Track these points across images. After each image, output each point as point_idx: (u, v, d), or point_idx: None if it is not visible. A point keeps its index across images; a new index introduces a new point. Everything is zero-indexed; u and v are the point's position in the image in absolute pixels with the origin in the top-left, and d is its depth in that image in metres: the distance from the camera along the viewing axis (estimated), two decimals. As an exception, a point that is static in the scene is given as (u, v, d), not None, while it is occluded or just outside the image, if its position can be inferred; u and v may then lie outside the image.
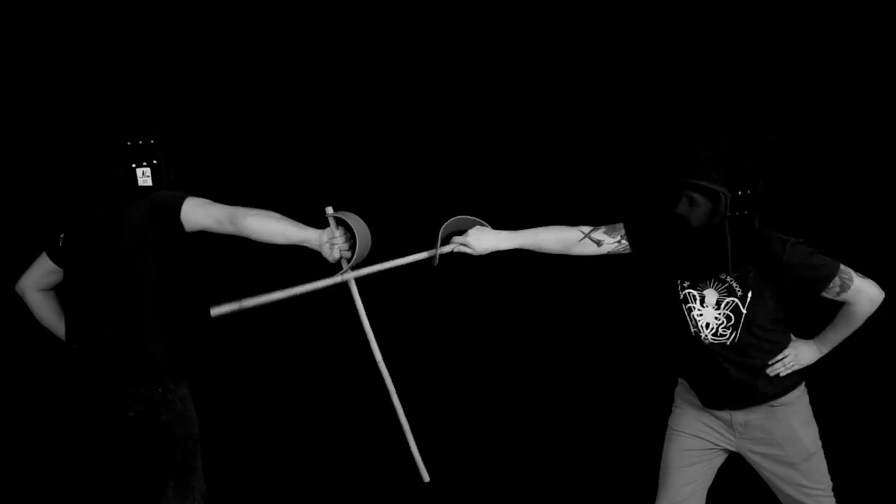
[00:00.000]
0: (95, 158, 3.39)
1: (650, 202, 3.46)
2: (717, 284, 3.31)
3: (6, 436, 4.32)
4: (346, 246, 3.20)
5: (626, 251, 3.43)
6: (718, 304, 3.31)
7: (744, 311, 3.30)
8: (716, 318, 3.32)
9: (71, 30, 4.21)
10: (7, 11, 4.19)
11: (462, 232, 3.42)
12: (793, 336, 3.41)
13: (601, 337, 4.46)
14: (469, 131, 4.37)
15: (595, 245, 3.42)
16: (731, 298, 3.30)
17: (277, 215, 3.23)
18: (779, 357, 3.36)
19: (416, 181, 4.38)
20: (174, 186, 3.36)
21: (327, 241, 3.19)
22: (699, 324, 3.34)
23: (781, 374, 3.36)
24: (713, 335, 3.33)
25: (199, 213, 3.23)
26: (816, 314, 3.41)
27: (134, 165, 3.30)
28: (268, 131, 4.34)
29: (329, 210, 3.21)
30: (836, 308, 3.34)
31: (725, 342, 3.33)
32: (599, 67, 4.32)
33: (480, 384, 4.51)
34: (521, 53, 4.34)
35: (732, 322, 3.31)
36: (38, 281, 3.47)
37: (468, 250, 3.41)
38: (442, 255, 3.36)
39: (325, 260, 3.23)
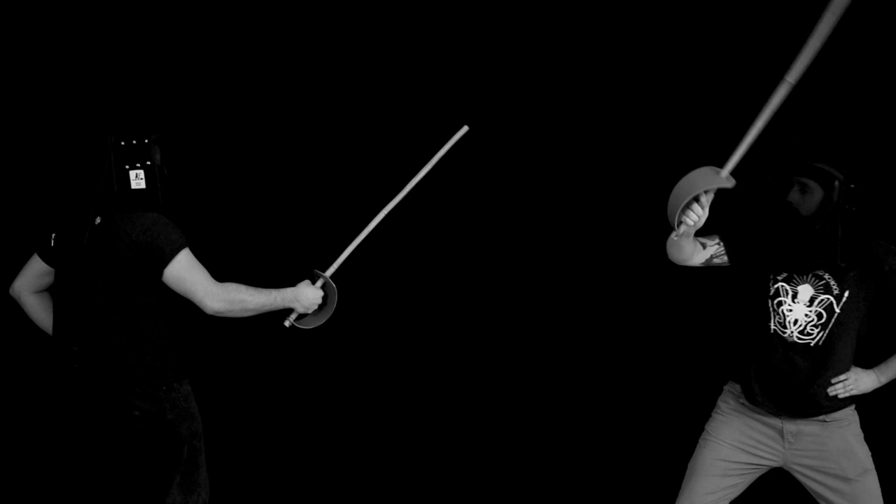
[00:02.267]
0: (90, 158, 3.38)
1: (766, 188, 3.33)
2: (814, 280, 3.27)
3: (11, 436, 4.35)
4: (314, 306, 3.50)
5: (724, 258, 3.37)
6: (812, 300, 3.27)
7: (837, 311, 3.25)
8: (806, 314, 3.27)
9: (65, 29, 4.22)
10: (2, 11, 4.20)
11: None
12: (853, 365, 3.36)
13: (601, 338, 4.45)
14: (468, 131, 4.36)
15: (702, 248, 3.35)
16: (827, 296, 3.26)
17: (245, 291, 3.34)
18: (841, 377, 3.31)
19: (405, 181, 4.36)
20: (168, 188, 3.35)
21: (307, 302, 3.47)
22: (787, 320, 3.28)
23: (840, 396, 3.31)
24: (800, 333, 3.28)
25: (176, 285, 3.27)
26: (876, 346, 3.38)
27: (127, 167, 3.30)
28: (263, 132, 4.35)
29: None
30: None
31: (810, 342, 3.28)
32: (598, 69, 4.30)
33: (479, 385, 4.52)
34: (518, 54, 4.34)
35: (823, 321, 3.26)
36: (32, 283, 3.48)
37: (691, 226, 3.08)
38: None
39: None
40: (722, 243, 3.38)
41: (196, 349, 3.56)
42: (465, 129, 3.60)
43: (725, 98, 4.13)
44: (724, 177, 3.01)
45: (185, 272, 3.26)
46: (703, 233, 3.29)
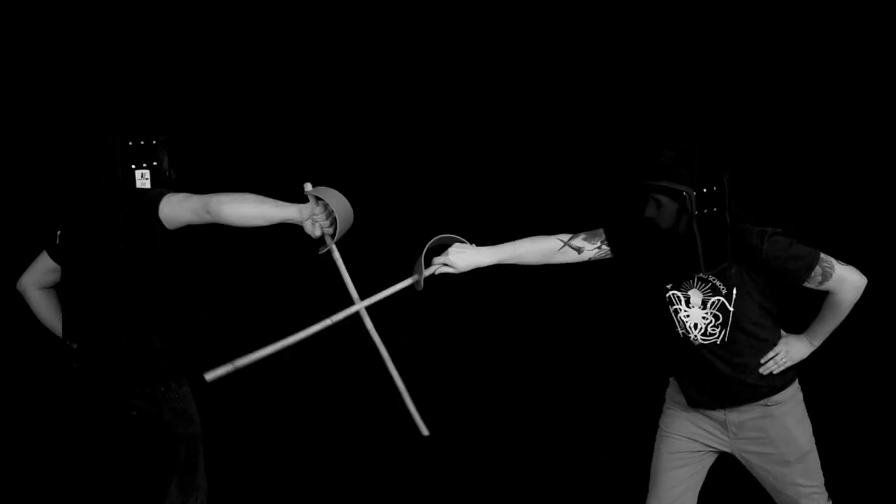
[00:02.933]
0: (96, 158, 3.39)
1: (623, 207, 3.43)
2: (701, 284, 3.28)
3: (9, 435, 4.34)
4: (327, 222, 3.15)
5: (608, 257, 3.39)
6: (704, 303, 3.28)
7: (731, 309, 3.26)
8: (703, 317, 3.29)
9: (73, 29, 4.23)
10: (7, 11, 4.21)
11: (442, 250, 3.36)
12: (783, 332, 3.38)
13: (591, 339, 4.47)
14: (452, 140, 4.39)
15: (576, 252, 3.38)
16: (717, 297, 3.27)
17: (254, 196, 3.18)
18: (770, 355, 3.31)
19: (404, 187, 4.40)
20: (174, 187, 3.36)
21: (308, 217, 3.15)
22: (687, 325, 3.31)
23: (774, 372, 3.32)
24: (702, 335, 3.30)
25: (176, 209, 3.20)
26: (805, 307, 3.38)
27: (133, 167, 3.30)
28: (269, 134, 4.36)
29: (307, 187, 3.17)
30: (822, 299, 3.31)
31: (715, 341, 3.29)
32: (577, 72, 4.32)
33: (479, 384, 4.53)
34: (501, 59, 4.36)
35: (721, 321, 3.27)
36: (38, 279, 3.48)
37: (450, 270, 3.34)
38: (426, 279, 3.30)
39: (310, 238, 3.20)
40: (606, 246, 3.38)
41: (195, 350, 3.56)
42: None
43: (726, 98, 4.19)
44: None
45: (178, 200, 3.21)
46: (585, 228, 3.38)
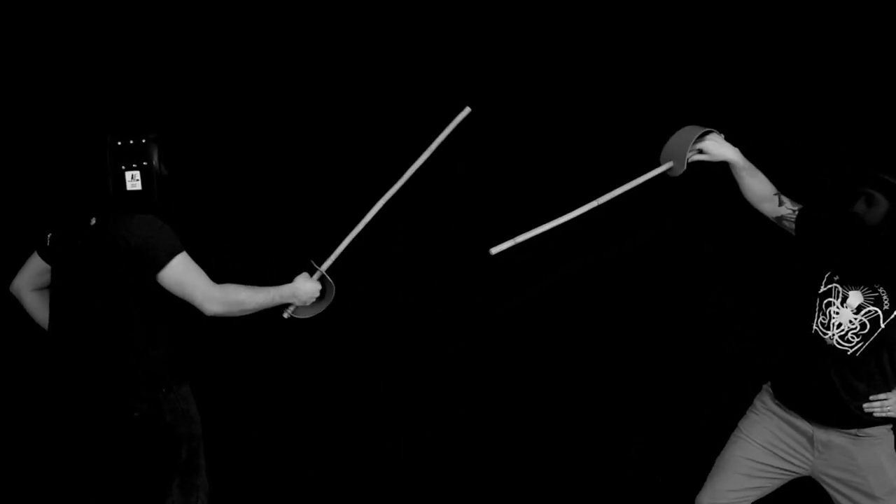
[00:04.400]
0: (87, 158, 3.42)
1: (831, 195, 3.32)
2: (867, 290, 3.23)
3: (10, 436, 4.32)
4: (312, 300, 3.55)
5: (793, 225, 3.38)
6: (859, 308, 3.23)
7: (882, 326, 3.21)
8: (850, 321, 3.23)
9: (63, 29, 4.18)
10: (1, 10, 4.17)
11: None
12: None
13: (614, 336, 4.41)
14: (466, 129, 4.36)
15: (778, 203, 3.39)
16: (875, 308, 3.22)
17: (244, 295, 3.33)
18: (882, 396, 3.26)
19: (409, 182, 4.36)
20: (165, 185, 3.33)
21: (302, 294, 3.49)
22: (832, 321, 3.25)
23: (875, 415, 3.26)
24: (840, 338, 3.24)
25: (172, 286, 3.24)
26: None
27: (123, 167, 3.27)
28: (258, 125, 4.30)
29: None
30: None
31: (847, 351, 3.24)
32: (596, 66, 4.28)
33: (480, 383, 4.48)
34: (517, 45, 4.29)
35: (866, 332, 3.22)
36: (31, 281, 3.47)
37: (705, 157, 3.45)
38: (689, 163, 3.47)
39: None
40: (797, 212, 3.37)
41: (195, 350, 3.55)
42: (468, 110, 3.56)
43: (727, 98, 4.13)
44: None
45: (182, 276, 3.25)
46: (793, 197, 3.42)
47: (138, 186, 3.27)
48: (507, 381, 4.48)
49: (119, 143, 3.28)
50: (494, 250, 3.46)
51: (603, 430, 4.45)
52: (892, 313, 3.21)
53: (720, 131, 3.51)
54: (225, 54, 4.25)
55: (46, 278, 3.44)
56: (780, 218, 3.40)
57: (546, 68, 4.30)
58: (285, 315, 3.56)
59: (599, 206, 3.53)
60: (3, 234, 4.13)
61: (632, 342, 4.39)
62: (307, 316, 3.59)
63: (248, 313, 3.36)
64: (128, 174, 3.27)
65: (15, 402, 4.31)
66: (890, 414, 3.27)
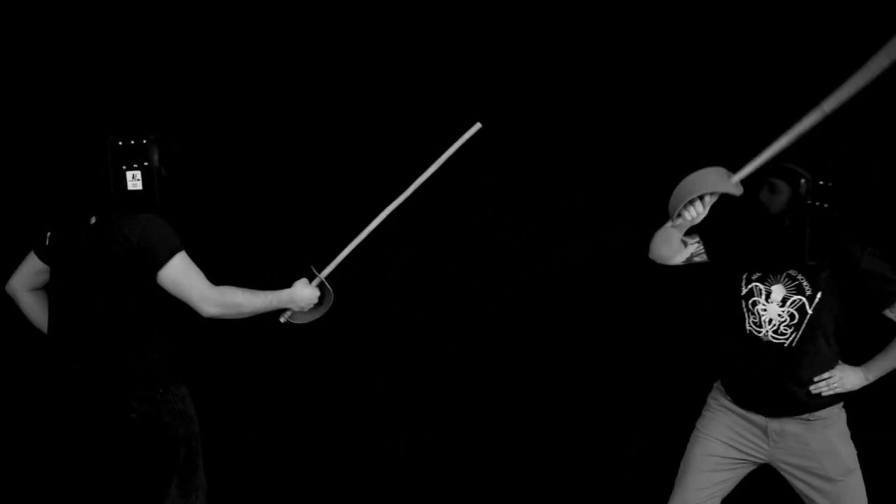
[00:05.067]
0: (87, 158, 3.39)
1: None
2: (787, 281, 3.29)
3: (8, 437, 4.33)
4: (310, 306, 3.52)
5: (703, 256, 3.42)
6: (784, 300, 3.29)
7: (809, 311, 3.27)
8: (779, 315, 3.29)
9: (64, 29, 4.20)
10: (1, 11, 4.19)
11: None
12: (840, 362, 3.38)
13: (596, 339, 4.44)
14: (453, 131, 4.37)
15: (682, 244, 3.40)
16: (799, 297, 3.28)
17: (241, 298, 3.32)
18: (825, 375, 3.32)
19: (402, 181, 4.37)
20: (166, 186, 3.34)
21: (300, 300, 3.46)
22: (762, 319, 3.31)
23: (823, 394, 3.32)
24: (774, 332, 3.30)
25: (170, 286, 3.24)
26: (867, 343, 3.38)
27: (124, 167, 3.28)
28: (260, 130, 4.33)
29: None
30: (886, 338, 3.32)
31: (784, 343, 3.30)
32: (596, 66, 4.31)
33: (477, 385, 4.50)
34: (525, 52, 4.33)
35: (796, 321, 3.28)
36: (28, 281, 3.46)
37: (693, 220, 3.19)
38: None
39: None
40: (701, 242, 3.42)
41: (194, 350, 3.55)
42: (478, 126, 3.52)
43: (730, 101, 4.17)
44: (733, 182, 3.09)
45: (181, 276, 3.24)
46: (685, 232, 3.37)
47: (139, 186, 3.28)
48: (506, 382, 4.48)
49: (120, 143, 3.29)
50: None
51: (603, 430, 4.45)
52: (816, 297, 3.27)
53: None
54: (227, 55, 4.27)
55: (43, 278, 3.43)
56: (690, 257, 3.45)
57: (546, 76, 4.32)
58: (282, 319, 3.56)
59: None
60: (4, 233, 4.14)
61: (632, 342, 4.39)
62: (304, 321, 3.59)
63: (244, 316, 3.36)
64: (129, 174, 3.28)
65: (14, 402, 4.32)
66: (838, 390, 3.33)
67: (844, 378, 3.34)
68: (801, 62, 4.11)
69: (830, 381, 3.32)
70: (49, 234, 3.37)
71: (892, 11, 3.99)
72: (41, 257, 3.41)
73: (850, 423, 3.44)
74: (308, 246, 3.81)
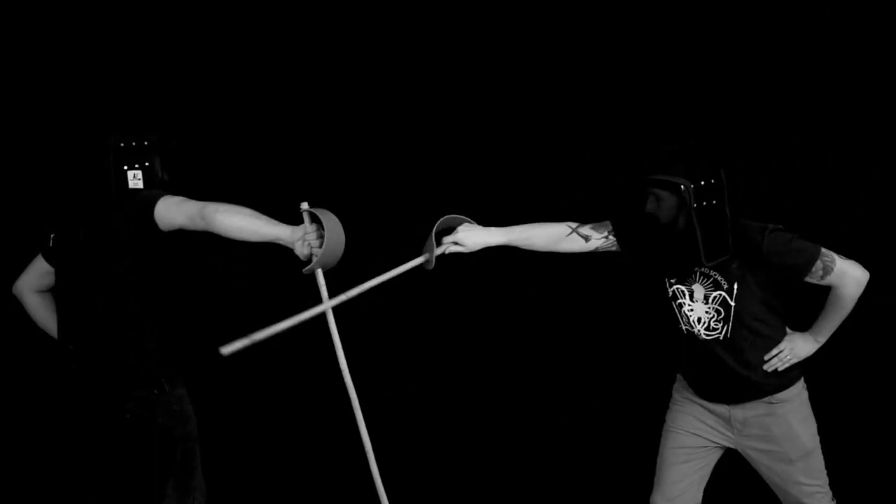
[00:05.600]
0: (90, 159, 3.40)
1: (626, 202, 3.45)
2: (703, 279, 3.31)
3: (6, 437, 4.33)
4: (317, 243, 3.07)
5: (614, 247, 3.43)
6: (707, 298, 3.30)
7: (732, 304, 3.28)
8: (706, 312, 3.31)
9: (68, 29, 4.22)
10: (4, 11, 4.20)
11: (451, 231, 3.37)
12: (788, 329, 3.39)
13: (593, 334, 4.44)
14: (452, 132, 4.37)
15: (583, 240, 3.41)
16: (718, 292, 3.29)
17: (249, 211, 3.11)
18: (774, 352, 3.33)
19: (402, 182, 4.38)
20: (167, 189, 3.35)
21: (300, 238, 3.07)
22: (691, 319, 3.33)
23: (779, 369, 3.33)
24: (706, 330, 3.32)
25: (171, 212, 3.17)
26: (811, 305, 3.38)
27: (126, 167, 3.30)
28: (262, 134, 4.34)
29: (304, 205, 3.10)
30: (825, 295, 3.31)
31: (719, 336, 3.31)
32: (578, 66, 4.31)
33: (477, 386, 4.51)
34: (502, 52, 4.34)
35: (723, 315, 3.29)
36: (34, 283, 3.48)
37: (460, 248, 3.35)
38: (437, 257, 3.30)
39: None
40: (612, 236, 3.41)
41: (194, 350, 3.56)
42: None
43: (730, 101, 4.17)
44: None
45: (175, 203, 3.18)
46: (593, 220, 3.42)
47: (140, 185, 3.31)
48: (506, 381, 4.48)
49: (122, 145, 3.31)
50: (225, 350, 3.02)
51: (603, 430, 4.46)
52: (734, 288, 3.28)
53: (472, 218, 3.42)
54: (228, 57, 4.28)
55: (49, 280, 3.44)
56: (596, 249, 3.45)
57: (546, 77, 4.33)
58: (306, 270, 3.18)
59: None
60: (6, 234, 4.16)
61: (632, 342, 4.40)
62: (325, 263, 3.14)
63: (247, 233, 3.11)
64: (130, 173, 3.30)
65: (14, 402, 4.33)
66: (792, 361, 3.34)
67: (795, 346, 3.34)
68: (801, 62, 4.12)
69: (781, 354, 3.33)
70: (52, 235, 3.39)
71: (892, 11, 4.02)
72: (47, 259, 3.43)
73: (855, 422, 3.44)
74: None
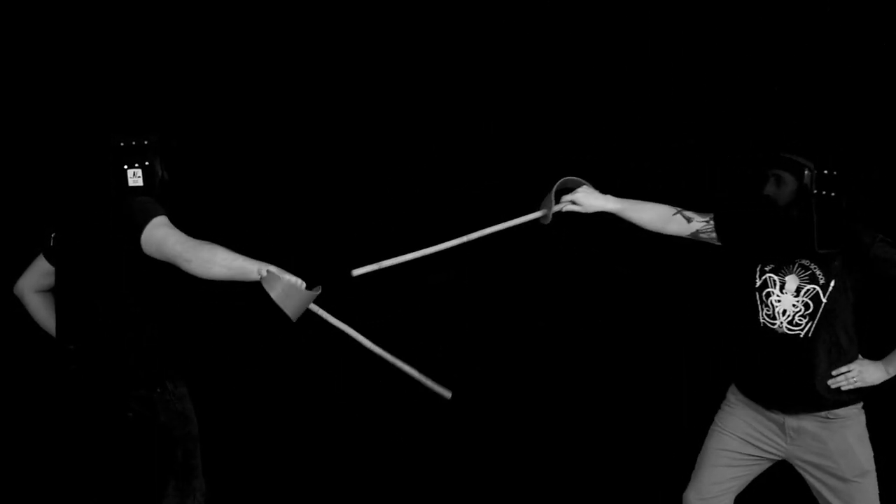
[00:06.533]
0: (90, 158, 3.38)
1: (741, 181, 3.44)
2: (800, 270, 3.29)
3: (6, 436, 4.33)
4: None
5: (712, 234, 3.45)
6: (798, 290, 3.28)
7: (824, 300, 3.26)
8: (794, 305, 3.28)
9: (67, 29, 4.21)
10: (3, 10, 4.20)
11: (569, 192, 3.53)
12: (860, 356, 3.35)
13: (603, 337, 4.45)
14: (452, 132, 4.38)
15: (686, 222, 3.46)
16: (813, 286, 3.27)
17: (222, 257, 3.07)
18: (843, 369, 3.29)
19: (402, 182, 4.39)
20: (166, 189, 3.35)
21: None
22: (776, 310, 3.30)
23: (843, 388, 3.29)
24: (789, 323, 3.29)
25: (152, 247, 3.14)
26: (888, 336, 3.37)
27: (125, 166, 3.29)
28: (262, 133, 4.34)
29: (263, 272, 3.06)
30: None
31: (799, 333, 3.28)
32: (578, 67, 4.32)
33: (479, 386, 4.49)
34: (524, 55, 4.35)
35: (811, 311, 3.27)
36: (35, 283, 3.46)
37: (577, 208, 3.53)
38: (554, 214, 3.51)
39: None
40: (713, 222, 3.45)
41: (195, 350, 3.56)
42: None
43: (730, 101, 4.18)
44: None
45: (161, 234, 3.14)
46: (700, 210, 3.47)
47: (139, 183, 3.29)
48: (506, 381, 4.49)
49: (122, 144, 3.30)
50: (356, 272, 3.35)
51: (603, 429, 4.46)
52: (830, 285, 3.26)
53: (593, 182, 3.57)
54: (229, 56, 4.28)
55: (50, 280, 3.42)
56: (696, 233, 3.48)
57: (547, 77, 4.34)
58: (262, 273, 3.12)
59: (471, 242, 3.50)
60: (6, 234, 4.16)
61: (631, 342, 4.40)
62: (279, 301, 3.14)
63: (219, 274, 3.08)
64: (130, 172, 3.29)
65: (14, 402, 4.33)
66: (857, 384, 3.30)
67: (864, 372, 3.30)
68: (801, 62, 4.12)
69: (849, 374, 3.29)
70: (53, 235, 3.38)
71: (892, 11, 4.02)
72: (48, 258, 3.41)
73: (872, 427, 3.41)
74: (310, 246, 3.82)
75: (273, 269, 3.09)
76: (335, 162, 4.37)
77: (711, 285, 4.13)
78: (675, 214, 3.47)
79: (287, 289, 3.09)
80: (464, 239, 3.44)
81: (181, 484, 3.33)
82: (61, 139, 4.19)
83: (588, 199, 3.52)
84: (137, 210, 3.19)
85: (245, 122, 4.33)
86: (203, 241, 3.13)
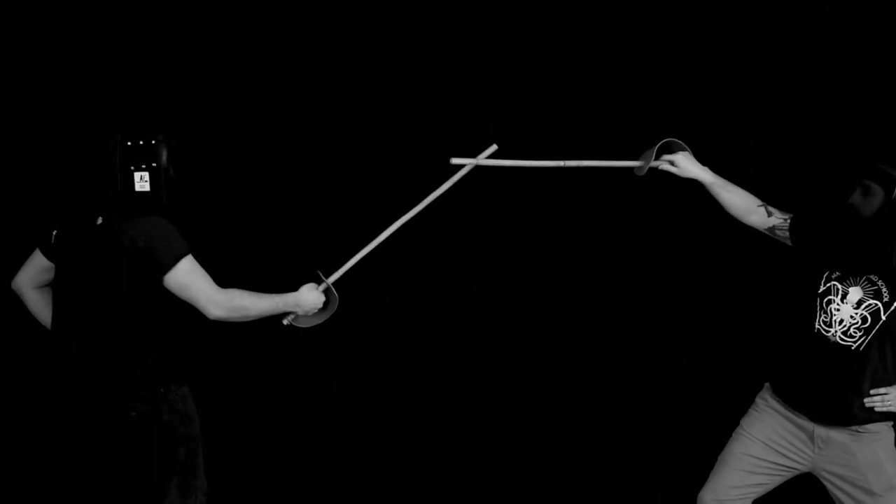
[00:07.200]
0: (96, 157, 3.37)
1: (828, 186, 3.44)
2: (866, 284, 3.29)
3: (7, 436, 4.33)
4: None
5: (786, 234, 3.44)
6: (860, 303, 3.28)
7: (883, 318, 3.26)
8: (851, 316, 3.28)
9: (73, 29, 4.20)
10: (7, 10, 4.18)
11: (670, 153, 3.57)
12: None
13: (614, 337, 4.47)
14: (452, 132, 4.37)
15: (767, 215, 3.46)
16: (875, 301, 3.27)
17: (248, 302, 3.30)
18: (882, 390, 3.30)
19: (402, 182, 4.35)
20: (174, 190, 3.33)
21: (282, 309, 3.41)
22: (833, 318, 3.29)
23: (876, 409, 3.30)
24: (843, 333, 3.28)
25: (177, 289, 3.24)
26: None
27: (132, 168, 3.27)
28: (269, 134, 4.34)
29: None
30: None
31: (851, 346, 3.28)
32: (578, 67, 4.33)
33: (480, 386, 4.53)
34: (527, 56, 4.36)
35: (867, 325, 3.27)
36: (33, 278, 3.45)
37: (674, 170, 3.56)
38: (650, 169, 3.58)
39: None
40: (789, 221, 3.44)
41: (195, 350, 3.56)
42: (494, 147, 3.62)
43: (730, 101, 4.20)
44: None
45: (187, 279, 3.24)
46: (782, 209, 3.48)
47: (147, 187, 3.27)
48: (506, 381, 4.50)
49: (129, 144, 3.28)
50: (455, 160, 3.54)
51: (603, 430, 4.47)
52: (893, 305, 3.26)
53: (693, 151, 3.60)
54: (236, 57, 4.28)
55: (48, 276, 3.42)
56: (773, 228, 3.47)
57: (547, 78, 4.35)
58: (285, 322, 3.54)
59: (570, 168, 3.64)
60: (9, 231, 4.14)
61: (632, 342, 4.42)
62: (307, 325, 3.57)
63: (250, 319, 3.35)
64: (136, 175, 3.27)
65: (14, 401, 4.32)
66: (891, 408, 3.30)
67: None
68: (801, 62, 4.14)
69: (886, 397, 3.30)
70: (55, 232, 3.36)
71: (892, 11, 4.05)
72: (46, 255, 3.40)
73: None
74: (315, 248, 3.82)
75: (290, 313, 3.46)
76: (335, 162, 4.38)
77: (768, 285, 4.13)
78: (759, 206, 3.48)
79: (309, 318, 3.53)
80: (560, 163, 3.59)
81: (183, 483, 3.34)
82: (67, 137, 4.18)
83: (686, 164, 3.55)
84: (162, 246, 3.21)
85: (252, 121, 4.34)
86: (226, 292, 3.27)
